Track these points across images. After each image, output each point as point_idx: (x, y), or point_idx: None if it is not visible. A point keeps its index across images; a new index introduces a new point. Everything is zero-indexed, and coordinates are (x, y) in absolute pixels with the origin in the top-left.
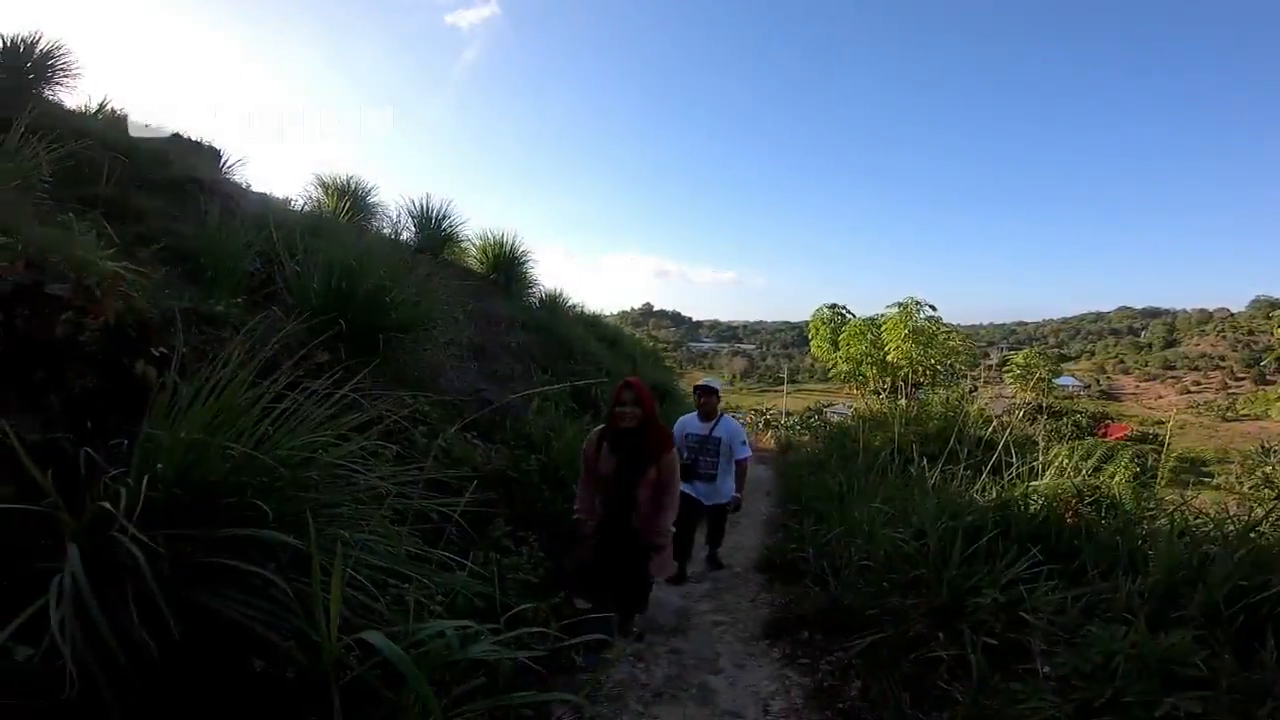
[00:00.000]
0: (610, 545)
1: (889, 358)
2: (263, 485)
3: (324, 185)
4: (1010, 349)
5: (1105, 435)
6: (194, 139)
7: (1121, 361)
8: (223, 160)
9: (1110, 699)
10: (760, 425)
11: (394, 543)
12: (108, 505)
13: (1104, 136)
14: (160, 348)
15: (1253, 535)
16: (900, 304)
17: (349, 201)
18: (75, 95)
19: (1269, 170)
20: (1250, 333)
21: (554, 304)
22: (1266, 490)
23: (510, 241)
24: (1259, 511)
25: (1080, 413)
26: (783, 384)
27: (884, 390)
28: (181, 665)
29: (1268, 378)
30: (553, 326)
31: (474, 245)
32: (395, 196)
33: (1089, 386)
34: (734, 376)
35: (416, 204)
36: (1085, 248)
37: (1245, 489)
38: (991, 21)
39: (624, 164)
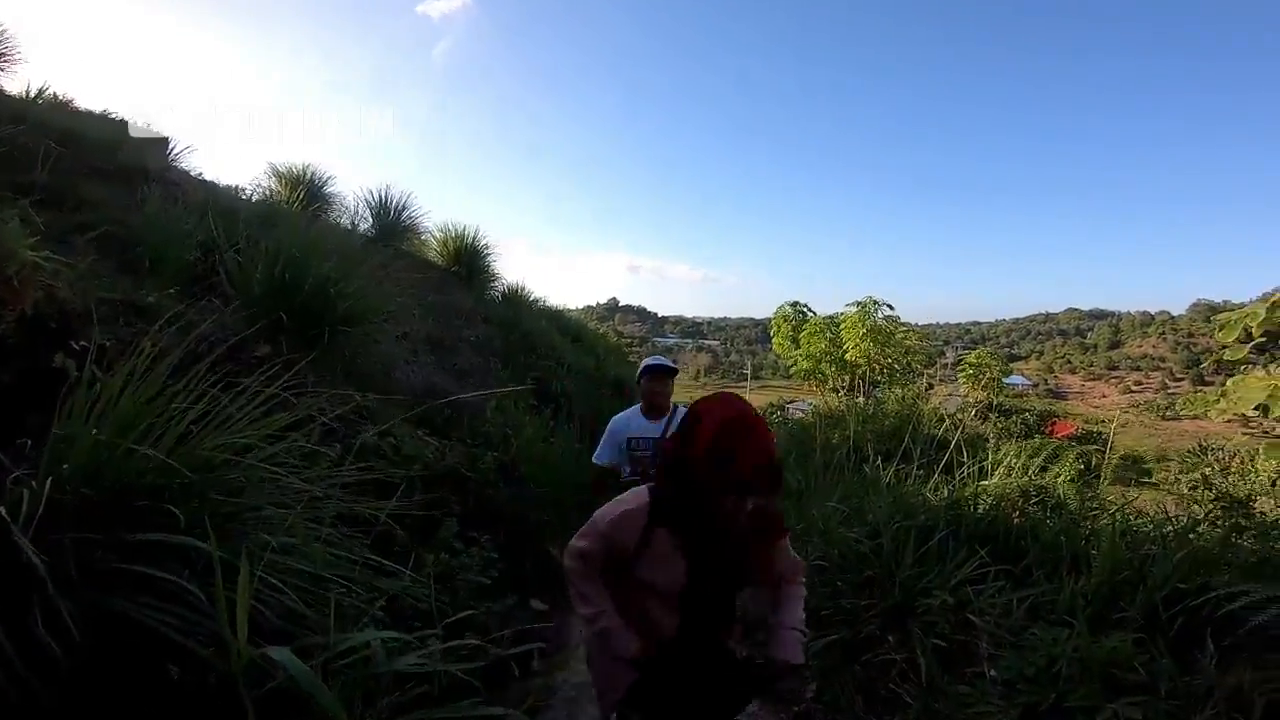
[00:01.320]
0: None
1: (847, 356)
2: (181, 488)
3: (278, 175)
4: (965, 348)
5: (1052, 433)
6: (142, 125)
7: (1068, 361)
8: (171, 148)
9: (1054, 703)
10: None
11: (315, 552)
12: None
13: (1058, 143)
14: (83, 340)
15: (1191, 537)
16: (859, 303)
17: (303, 191)
18: (16, 81)
19: (1211, 180)
20: (1190, 335)
21: (516, 298)
22: (1206, 491)
23: (472, 234)
24: (1197, 510)
25: (1028, 411)
26: (746, 380)
27: (843, 388)
28: (95, 673)
29: (1205, 379)
30: (515, 320)
31: (435, 237)
32: (355, 187)
33: (1037, 385)
34: (699, 371)
35: (375, 195)
36: (1039, 250)
37: (1183, 488)
38: (961, 19)
39: (602, 159)
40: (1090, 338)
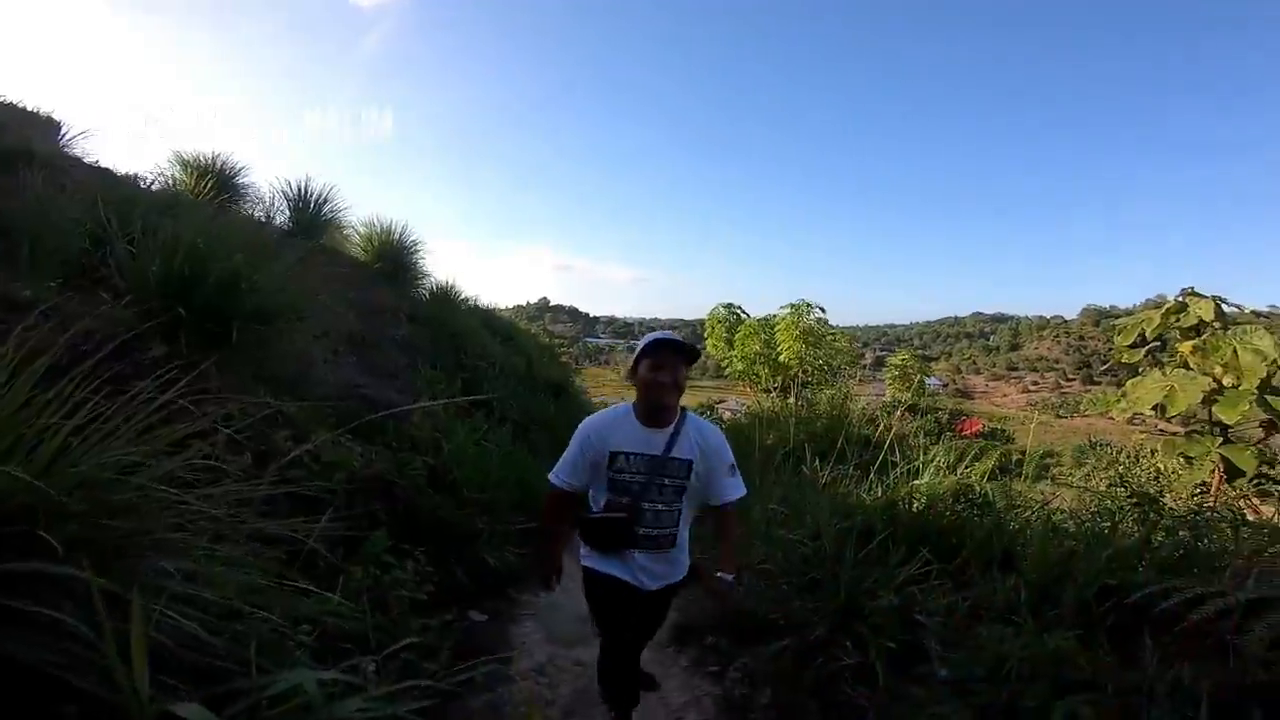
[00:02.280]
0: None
1: (781, 357)
2: (56, 511)
3: (184, 164)
4: (884, 350)
5: (961, 431)
6: (29, 109)
7: (974, 363)
8: (64, 132)
9: (1007, 703)
10: None
11: (222, 578)
12: None
13: (967, 155)
14: None
15: (1115, 535)
16: (792, 305)
17: (212, 181)
18: None
19: (1099, 192)
20: (1080, 338)
21: (445, 296)
22: (1119, 489)
23: (399, 229)
24: (1110, 506)
25: (941, 410)
26: None
27: (775, 388)
28: None
29: (1094, 379)
30: (443, 319)
31: (359, 233)
32: (271, 179)
33: (947, 385)
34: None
35: (293, 187)
36: (949, 257)
37: (1077, 481)
38: (888, 24)
39: (536, 156)
40: (993, 340)
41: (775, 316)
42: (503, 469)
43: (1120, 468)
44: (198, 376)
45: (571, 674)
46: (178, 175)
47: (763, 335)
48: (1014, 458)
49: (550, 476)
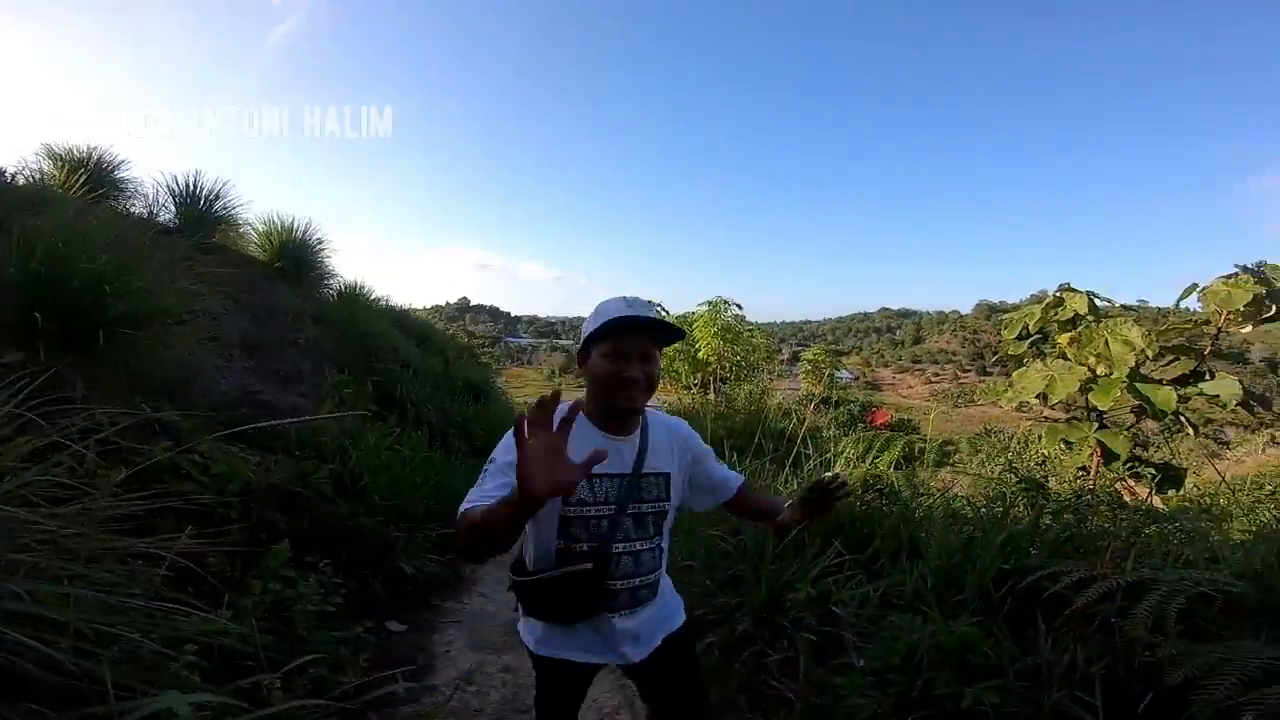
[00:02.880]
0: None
1: (699, 354)
2: None
3: (54, 157)
4: (799, 345)
5: (873, 421)
6: None
7: (882, 356)
8: None
9: (921, 690)
10: None
11: (87, 605)
12: None
13: (873, 153)
14: None
15: (1008, 521)
16: (710, 302)
17: (85, 176)
18: None
19: (990, 190)
20: (974, 332)
21: (354, 296)
22: (1010, 475)
23: (302, 226)
24: (1004, 492)
25: (853, 402)
26: None
27: (695, 385)
28: None
29: (987, 370)
30: (351, 321)
31: (256, 230)
32: (156, 173)
33: (859, 378)
34: (553, 371)
35: (180, 182)
36: (859, 254)
37: (974, 468)
38: (815, 20)
39: (453, 153)
40: (898, 335)
41: (693, 314)
42: (418, 474)
43: (1010, 454)
44: (54, 384)
45: (499, 681)
46: (46, 169)
47: None
48: (918, 446)
49: (465, 502)
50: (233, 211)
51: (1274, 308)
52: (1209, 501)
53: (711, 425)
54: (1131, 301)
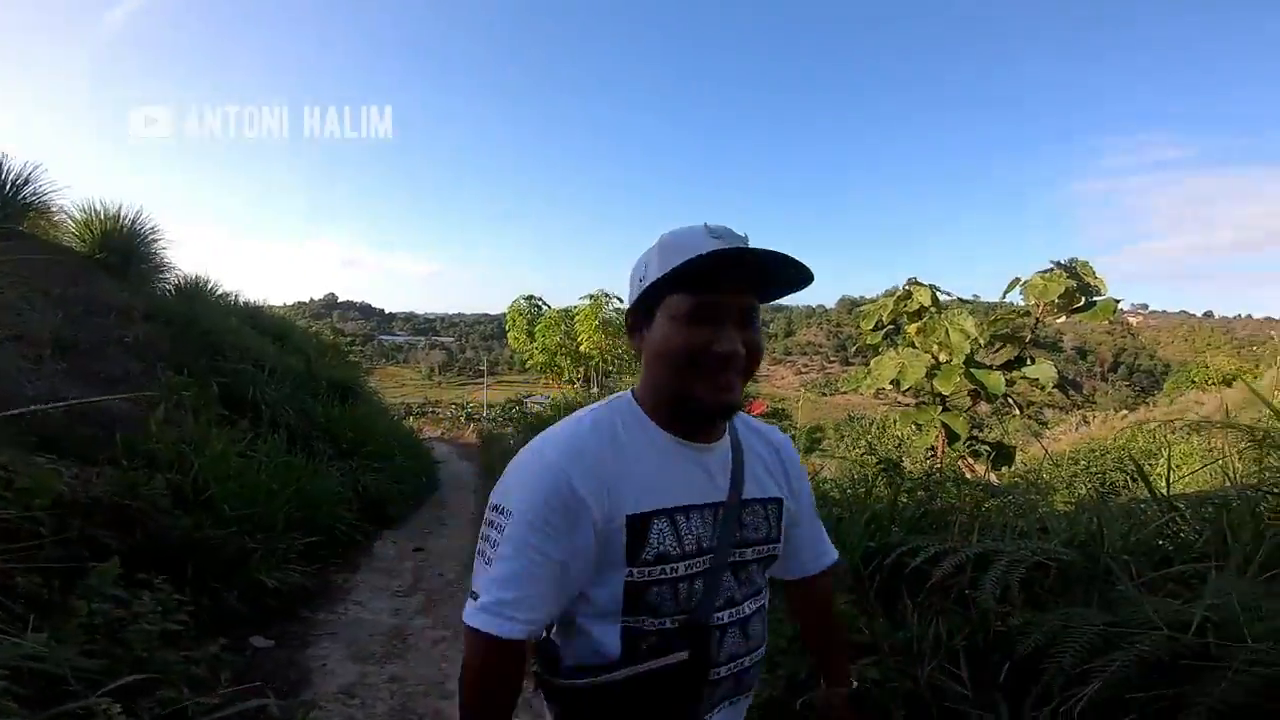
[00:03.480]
0: None
1: (582, 348)
2: None
3: None
4: None
5: (751, 411)
6: None
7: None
8: None
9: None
10: (463, 419)
11: None
12: None
13: (755, 146)
14: None
15: (870, 500)
16: (592, 296)
17: None
18: None
19: (856, 187)
20: (838, 325)
21: (196, 291)
22: (869, 457)
23: (130, 214)
24: (866, 473)
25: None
26: (483, 376)
27: (579, 379)
28: None
29: (850, 361)
30: (192, 318)
31: (74, 218)
32: None
33: None
34: (431, 370)
35: None
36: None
37: (840, 452)
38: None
39: (316, 142)
40: (772, 328)
41: (575, 308)
42: (275, 480)
43: (870, 438)
44: None
45: (386, 691)
46: None
47: (563, 327)
48: (789, 433)
49: (473, 615)
50: (45, 198)
51: (1082, 299)
52: (1034, 476)
53: None
54: (969, 295)
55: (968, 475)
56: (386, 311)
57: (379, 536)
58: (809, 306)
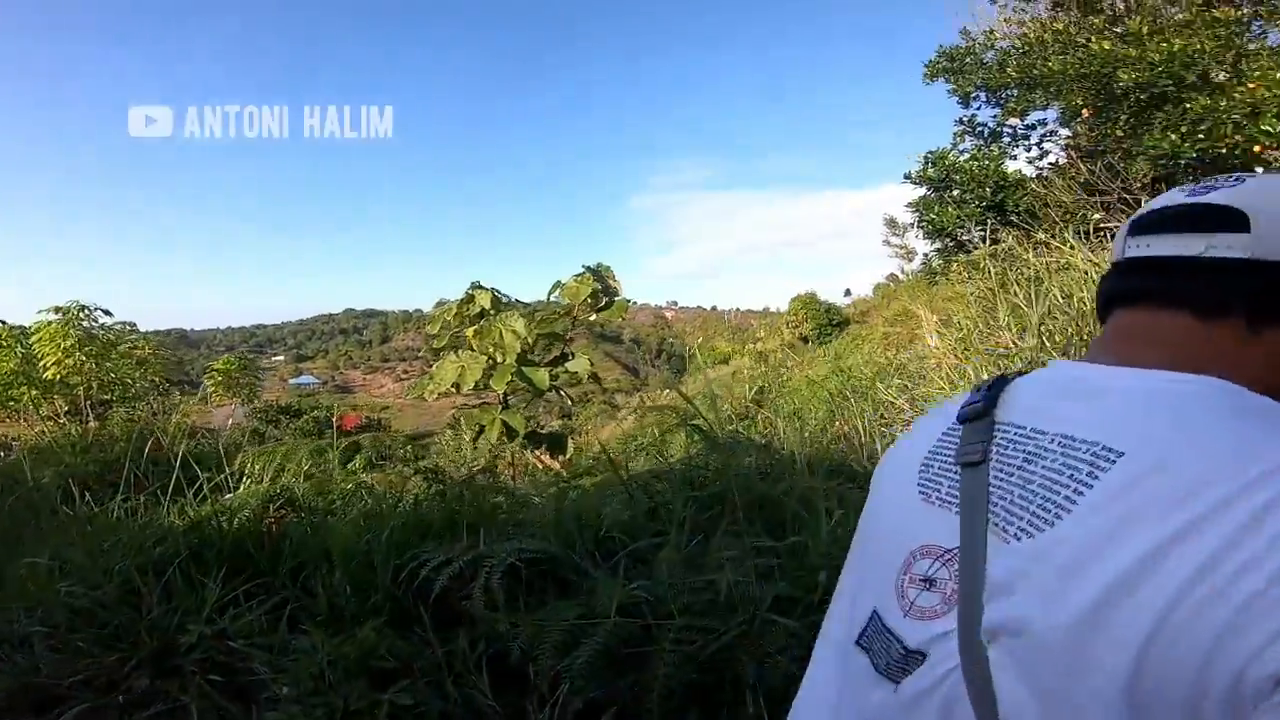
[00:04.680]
0: None
1: (48, 374)
2: None
3: None
4: (252, 351)
5: (343, 426)
6: None
7: (350, 358)
8: None
9: (344, 709)
10: None
11: None
12: None
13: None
14: None
15: (394, 513)
16: (60, 309)
17: None
18: None
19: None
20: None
21: None
22: (407, 467)
23: None
24: (412, 483)
25: (319, 409)
26: None
27: (62, 413)
28: None
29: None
30: None
31: None
32: None
33: (327, 383)
34: None
35: None
36: (319, 254)
37: (422, 465)
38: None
39: None
40: (366, 335)
41: (34, 326)
42: None
43: (455, 441)
44: None
45: None
46: None
47: (19, 349)
48: (386, 444)
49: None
50: None
51: (604, 299)
52: (590, 462)
53: (74, 460)
54: (527, 299)
55: (540, 467)
56: None
57: None
58: (405, 311)
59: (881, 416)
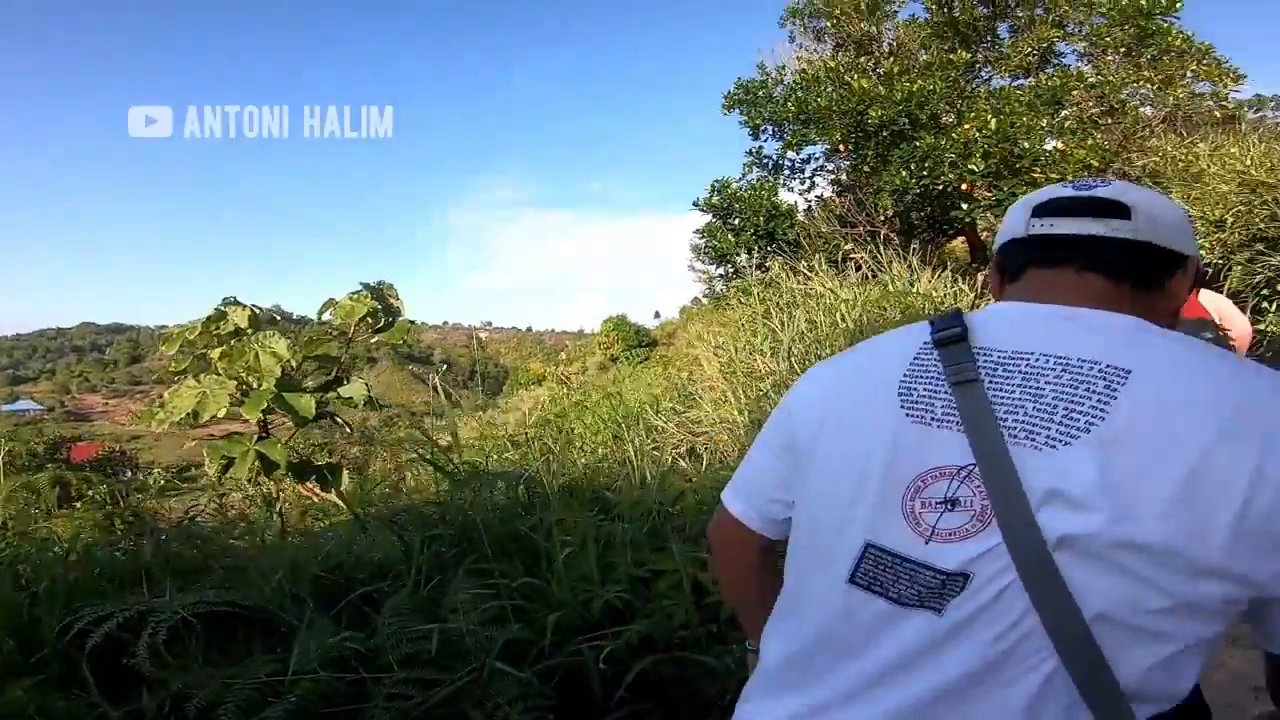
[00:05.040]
0: None
1: None
2: None
3: None
4: None
5: (75, 458)
6: None
7: (87, 380)
8: None
9: None
10: None
11: None
12: None
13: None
14: None
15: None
16: None
17: None
18: None
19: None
20: (206, 347)
21: None
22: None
23: None
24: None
25: (39, 440)
26: None
27: None
28: None
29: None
30: None
31: None
32: None
33: (53, 409)
34: None
35: None
36: (46, 261)
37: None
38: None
39: None
40: (109, 353)
41: None
42: None
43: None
44: None
45: None
46: None
47: None
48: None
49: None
50: None
51: (384, 319)
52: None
53: None
54: (310, 314)
55: (312, 499)
56: None
57: None
58: (164, 327)
59: (653, 441)
